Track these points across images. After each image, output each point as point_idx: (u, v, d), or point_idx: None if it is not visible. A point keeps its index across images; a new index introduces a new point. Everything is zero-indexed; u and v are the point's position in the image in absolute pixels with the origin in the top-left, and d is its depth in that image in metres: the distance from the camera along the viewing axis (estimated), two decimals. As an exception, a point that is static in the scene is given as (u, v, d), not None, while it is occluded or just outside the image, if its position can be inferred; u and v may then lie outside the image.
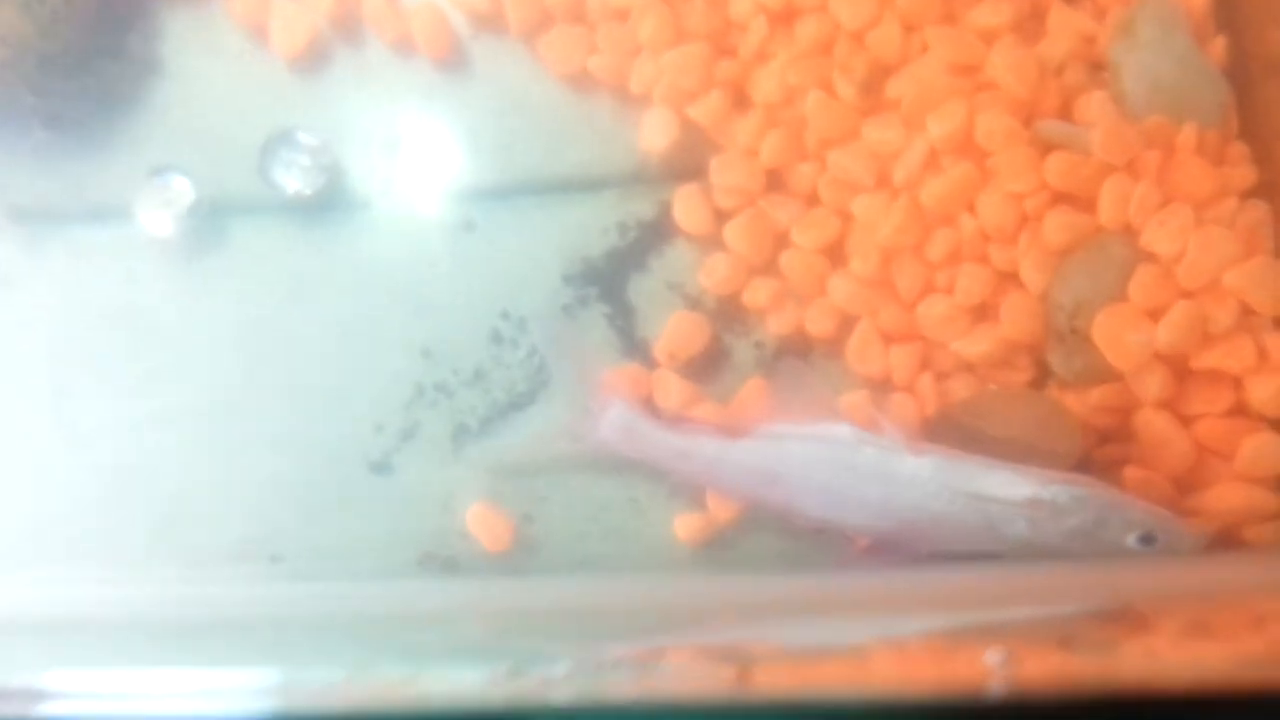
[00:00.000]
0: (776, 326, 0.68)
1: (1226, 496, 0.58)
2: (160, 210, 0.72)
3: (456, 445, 0.70)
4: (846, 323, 0.67)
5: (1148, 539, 0.54)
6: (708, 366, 0.69)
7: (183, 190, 0.72)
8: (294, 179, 0.72)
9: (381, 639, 0.55)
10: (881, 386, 0.66)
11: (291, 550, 0.68)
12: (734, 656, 0.44)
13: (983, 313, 0.64)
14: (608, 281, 0.72)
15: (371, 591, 0.63)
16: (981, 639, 0.42)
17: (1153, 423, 0.59)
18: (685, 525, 0.65)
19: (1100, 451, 0.61)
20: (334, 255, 0.73)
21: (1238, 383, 0.59)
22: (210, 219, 0.72)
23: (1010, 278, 0.63)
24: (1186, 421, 0.59)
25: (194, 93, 0.75)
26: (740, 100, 0.70)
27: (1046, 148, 0.62)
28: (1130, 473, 0.59)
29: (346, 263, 0.73)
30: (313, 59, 0.74)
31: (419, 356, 0.71)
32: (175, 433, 0.70)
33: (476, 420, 0.70)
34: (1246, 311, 0.58)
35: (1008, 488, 0.56)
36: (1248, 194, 0.61)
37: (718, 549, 0.66)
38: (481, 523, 0.66)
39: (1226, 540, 0.58)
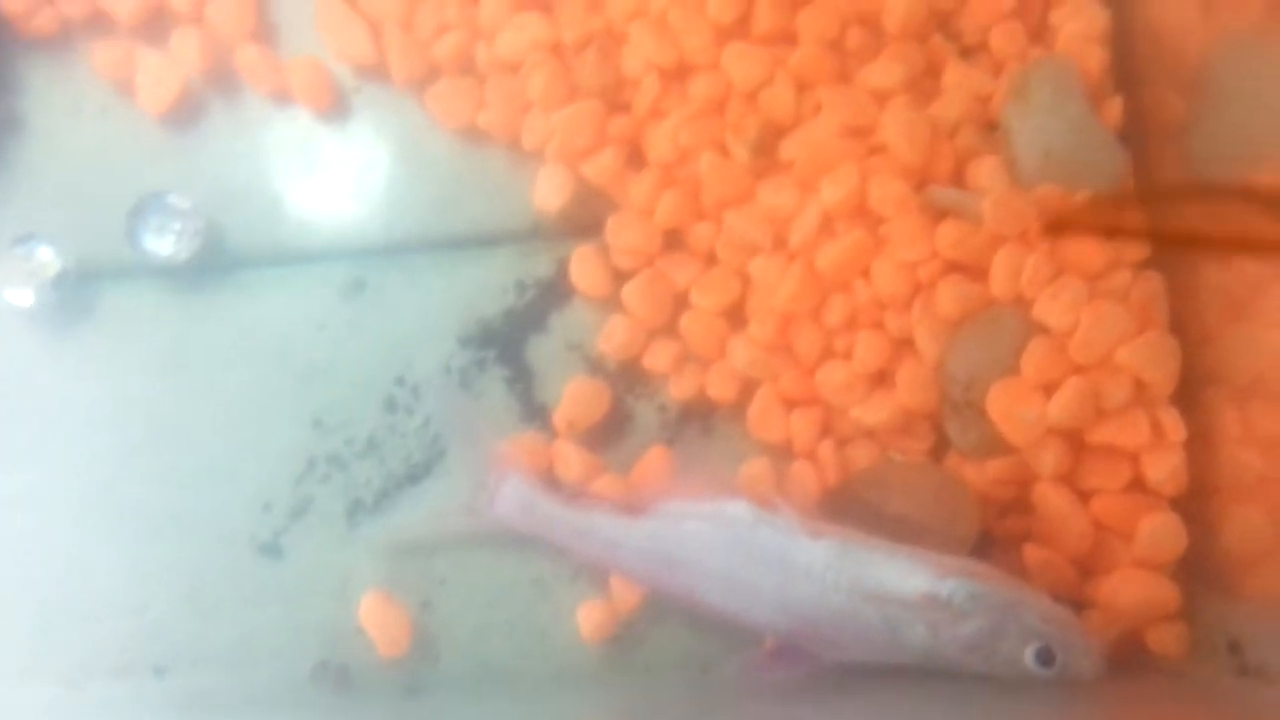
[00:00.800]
0: (678, 391, 0.67)
1: (1126, 585, 0.57)
2: (24, 281, 0.68)
3: (351, 523, 0.67)
4: (748, 387, 0.66)
5: (1045, 656, 0.53)
6: (609, 433, 0.67)
7: (47, 259, 0.68)
8: (167, 244, 0.68)
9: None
10: (783, 453, 0.65)
11: (177, 658, 0.65)
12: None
13: (881, 379, 0.63)
14: (505, 343, 0.69)
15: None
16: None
17: (1050, 498, 0.59)
18: (589, 619, 0.64)
19: (1000, 525, 0.61)
20: (214, 322, 0.70)
21: (1135, 459, 0.58)
22: (78, 288, 0.68)
23: (907, 345, 0.62)
24: (1085, 496, 0.59)
25: (56, 153, 0.70)
26: (635, 158, 0.68)
27: (939, 215, 0.61)
28: (1030, 551, 0.59)
29: (228, 329, 0.70)
30: (184, 114, 0.70)
31: (309, 427, 0.68)
32: (45, 519, 0.67)
33: (371, 494, 0.68)
34: (1141, 387, 0.58)
35: (904, 579, 0.55)
36: (1142, 265, 0.60)
37: (624, 646, 0.64)
38: (376, 618, 0.64)
39: (1127, 647, 0.58)
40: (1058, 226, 0.50)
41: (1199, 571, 0.58)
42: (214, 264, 0.70)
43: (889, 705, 0.53)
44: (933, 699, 0.53)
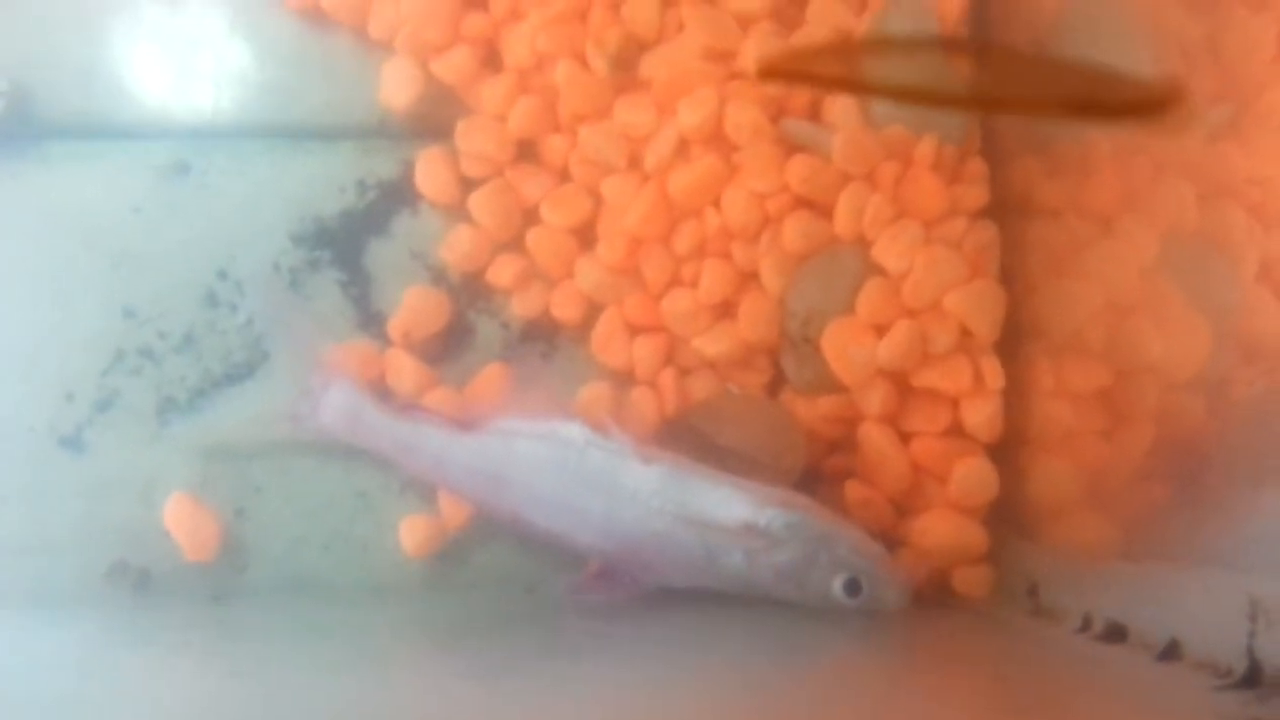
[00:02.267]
0: (522, 308, 0.65)
1: (937, 526, 0.59)
2: None
3: (161, 421, 0.63)
4: (593, 309, 0.64)
5: (853, 586, 0.55)
6: (447, 347, 0.65)
7: None
8: (-36, 103, 0.62)
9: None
10: (625, 379, 0.64)
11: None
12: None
13: (725, 311, 0.63)
14: (341, 245, 0.66)
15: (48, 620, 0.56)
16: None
17: (873, 437, 0.60)
18: (412, 534, 0.62)
19: (827, 463, 0.62)
20: (17, 195, 0.64)
21: (955, 404, 0.60)
22: None
23: (752, 277, 0.62)
24: (906, 438, 0.61)
25: None
26: (491, 60, 0.65)
27: (792, 147, 0.61)
28: (852, 488, 0.60)
29: (31, 204, 0.64)
30: (-10, -37, 0.63)
31: (119, 316, 0.64)
32: None
33: (185, 392, 0.64)
34: (966, 334, 0.59)
35: (726, 508, 0.55)
36: (979, 214, 0.61)
37: (448, 564, 0.63)
38: (183, 521, 0.61)
39: (934, 586, 0.60)
40: (771, 71, 0.47)
41: (1006, 516, 0.60)
42: (18, 132, 0.64)
43: (701, 627, 0.54)
44: (744, 622, 0.54)
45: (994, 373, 0.59)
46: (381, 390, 0.63)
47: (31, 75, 0.64)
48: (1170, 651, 0.46)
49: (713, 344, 0.63)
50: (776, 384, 0.64)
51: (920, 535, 0.59)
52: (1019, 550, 0.59)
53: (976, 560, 0.60)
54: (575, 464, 0.58)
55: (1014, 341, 0.60)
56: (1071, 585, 0.53)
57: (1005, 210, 0.61)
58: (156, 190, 0.65)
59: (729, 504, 0.56)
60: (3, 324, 0.63)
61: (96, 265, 0.64)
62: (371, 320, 0.65)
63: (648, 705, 0.42)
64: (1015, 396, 0.60)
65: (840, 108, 0.60)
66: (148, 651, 0.54)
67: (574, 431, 0.59)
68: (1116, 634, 0.49)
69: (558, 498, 0.58)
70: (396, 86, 0.64)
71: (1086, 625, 0.51)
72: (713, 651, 0.51)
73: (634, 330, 0.64)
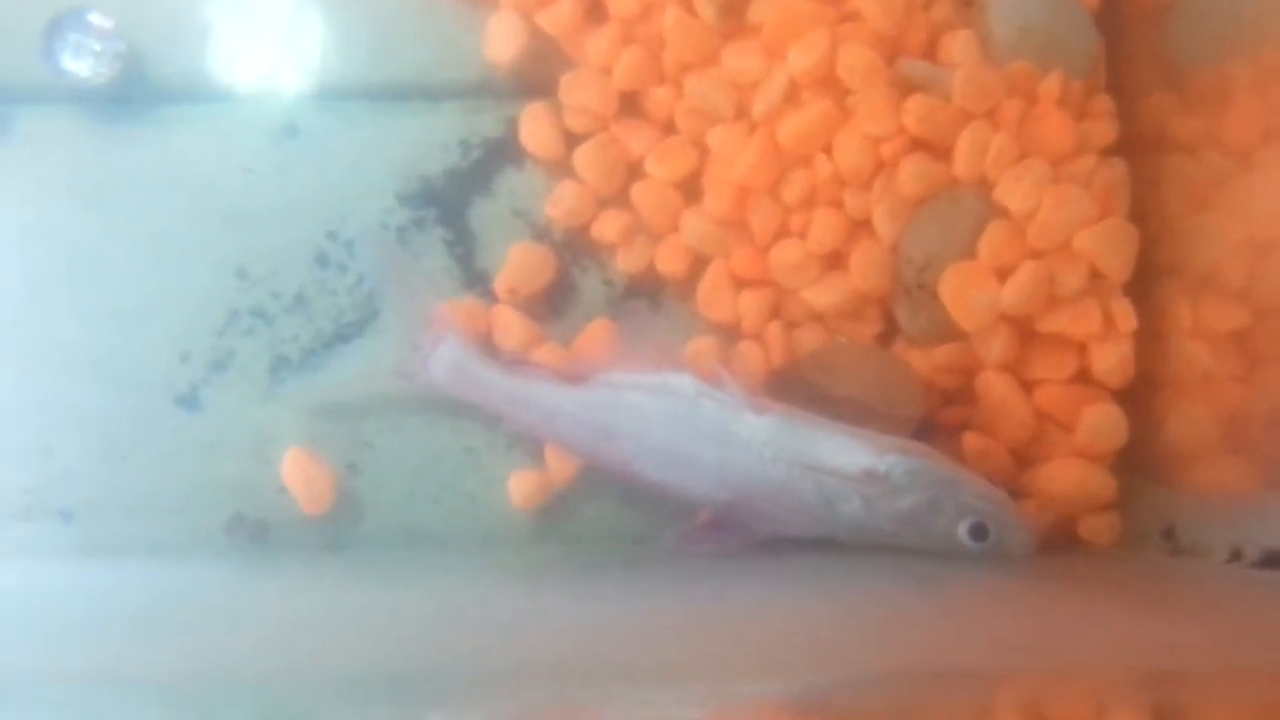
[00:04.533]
0: (626, 264, 0.64)
1: (1062, 474, 0.57)
2: (-75, 98, 0.62)
3: (274, 379, 0.64)
4: (699, 263, 0.63)
5: (979, 531, 0.53)
6: (552, 303, 0.65)
7: (-48, 76, 0.62)
8: (85, 65, 0.63)
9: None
10: (731, 333, 0.63)
11: (84, 504, 0.62)
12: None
13: (835, 261, 0.62)
14: (447, 204, 0.66)
15: (169, 574, 0.57)
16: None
17: (994, 386, 0.58)
18: (520, 487, 0.62)
19: (944, 414, 0.60)
20: (134, 155, 0.65)
21: (1082, 349, 0.58)
22: (-13, 109, 0.63)
23: (864, 226, 0.61)
24: (1029, 387, 0.59)
25: (-39, -39, 0.64)
26: (595, 11, 0.64)
27: (908, 88, 0.59)
28: (970, 439, 0.58)
29: (148, 165, 0.65)
30: (107, -74, 0.64)
31: (232, 277, 0.65)
32: (-53, 356, 0.62)
33: (297, 352, 0.64)
34: (1096, 275, 0.57)
35: (844, 455, 0.54)
36: (1108, 151, 0.59)
37: (556, 517, 0.63)
38: (300, 475, 0.61)
39: (1060, 534, 0.58)
40: None
41: (1137, 462, 0.58)
42: (135, 93, 0.65)
43: (821, 573, 0.53)
44: (867, 564, 0.52)
45: (1126, 315, 0.56)
46: (489, 347, 0.63)
47: (146, 39, 0.65)
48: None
49: (823, 295, 0.61)
50: (888, 335, 0.62)
51: (1045, 483, 0.57)
52: (1152, 495, 0.56)
53: (1105, 507, 0.58)
54: (686, 414, 0.57)
55: (1147, 282, 0.57)
56: (1215, 522, 0.51)
57: (1137, 146, 0.58)
58: (267, 152, 0.65)
59: (846, 451, 0.54)
60: (119, 285, 0.64)
61: (209, 227, 0.65)
62: (477, 278, 0.65)
63: (769, 625, 0.40)
64: (1148, 339, 0.57)
65: (960, 43, 0.58)
66: (267, 598, 0.54)
67: (684, 382, 0.58)
68: (1274, 560, 0.47)
69: (669, 448, 0.57)
70: (501, 41, 0.64)
71: (1236, 556, 0.49)
72: (833, 586, 0.50)
73: (740, 284, 0.63)
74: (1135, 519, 0.57)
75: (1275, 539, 0.47)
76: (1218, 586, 0.47)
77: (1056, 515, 0.57)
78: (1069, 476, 0.57)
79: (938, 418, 0.60)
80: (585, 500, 0.63)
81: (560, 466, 0.62)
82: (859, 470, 0.54)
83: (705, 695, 0.34)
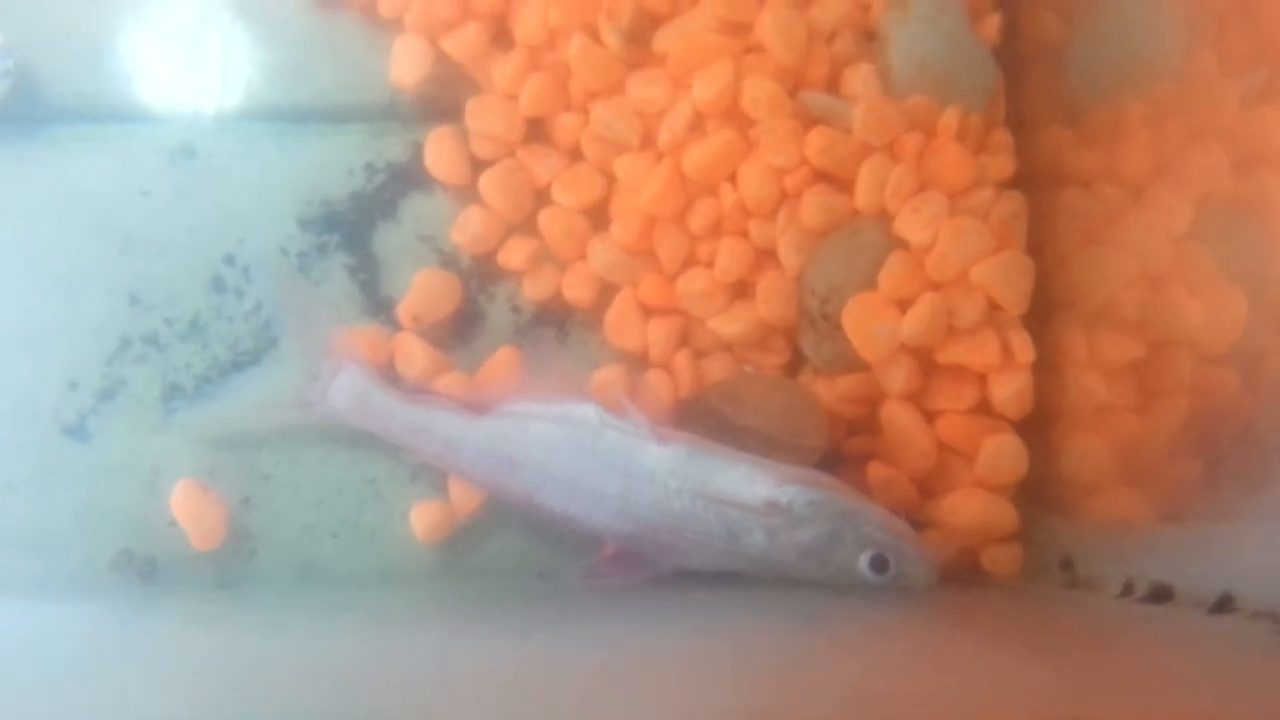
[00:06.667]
0: (533, 291, 0.63)
1: (965, 505, 0.57)
2: None
3: (167, 409, 0.62)
4: (606, 291, 0.63)
5: (879, 563, 0.53)
6: (458, 331, 0.64)
7: None
8: (-32, 85, 0.61)
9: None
10: (639, 361, 0.63)
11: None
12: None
13: (741, 290, 0.61)
14: (350, 229, 0.65)
15: (48, 614, 0.55)
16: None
17: (896, 416, 0.58)
18: (423, 520, 0.60)
19: (849, 444, 0.60)
20: (22, 177, 0.63)
21: (982, 380, 0.58)
22: None
23: (770, 255, 0.61)
24: (931, 417, 0.59)
25: None
26: (502, 37, 0.64)
27: (811, 121, 0.59)
28: (875, 469, 0.58)
29: (37, 187, 0.63)
30: (-5, -58, 0.62)
31: (125, 302, 0.63)
32: None
33: (191, 380, 0.62)
34: (993, 307, 0.57)
35: (746, 486, 0.54)
36: (1006, 184, 0.59)
37: (459, 550, 0.61)
38: (190, 509, 0.59)
39: (962, 564, 0.58)
40: None
41: (1037, 493, 0.58)
42: (24, 114, 0.63)
43: (718, 604, 0.52)
44: (764, 599, 0.52)
45: (1023, 346, 0.57)
46: (391, 376, 0.62)
47: (38, 56, 0.63)
48: (1223, 605, 0.44)
49: (729, 324, 0.61)
50: (794, 366, 0.62)
51: (947, 514, 0.57)
52: (1051, 526, 0.57)
53: (1006, 538, 0.58)
54: (590, 445, 0.56)
55: (1044, 314, 0.58)
56: (1110, 554, 0.52)
57: (1034, 180, 0.59)
58: (163, 174, 0.64)
59: (749, 482, 0.54)
60: (6, 310, 0.62)
61: (102, 250, 0.63)
62: (380, 305, 0.64)
63: (669, 662, 0.40)
64: (1045, 370, 0.58)
65: (861, 77, 0.59)
66: (153, 639, 0.52)
67: (589, 412, 0.57)
68: (1163, 594, 0.48)
69: (573, 479, 0.56)
70: (406, 65, 0.63)
71: (1128, 590, 0.49)
72: (732, 622, 0.49)
73: (648, 312, 0.62)
74: (1036, 550, 0.58)
75: (1164, 572, 0.47)
76: (1109, 624, 0.47)
77: (959, 546, 0.57)
78: (971, 507, 0.57)
79: (843, 448, 0.60)
80: (490, 533, 0.62)
81: (464, 498, 0.61)
82: (761, 501, 0.53)
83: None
